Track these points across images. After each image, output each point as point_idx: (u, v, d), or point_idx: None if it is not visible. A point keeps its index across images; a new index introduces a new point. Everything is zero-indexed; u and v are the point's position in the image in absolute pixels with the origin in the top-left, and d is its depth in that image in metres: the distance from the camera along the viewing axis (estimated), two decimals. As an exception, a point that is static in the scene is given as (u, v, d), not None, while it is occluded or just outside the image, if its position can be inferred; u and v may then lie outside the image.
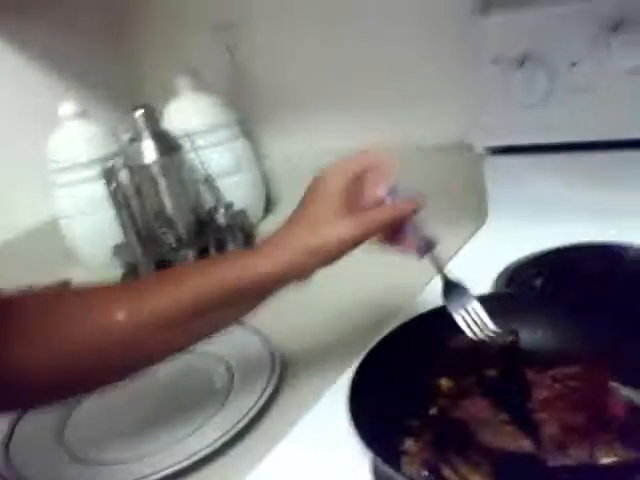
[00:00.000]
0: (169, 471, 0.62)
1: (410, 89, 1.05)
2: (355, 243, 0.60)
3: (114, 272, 1.12)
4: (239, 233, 1.13)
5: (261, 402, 0.68)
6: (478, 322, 0.64)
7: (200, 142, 1.15)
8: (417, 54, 1.03)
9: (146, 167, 1.08)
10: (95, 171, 1.05)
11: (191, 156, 1.14)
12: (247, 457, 0.63)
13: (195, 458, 0.63)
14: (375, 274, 0.78)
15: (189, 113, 1.17)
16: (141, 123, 1.07)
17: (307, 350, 0.76)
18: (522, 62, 0.85)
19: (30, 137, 1.17)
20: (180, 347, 0.62)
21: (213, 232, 1.12)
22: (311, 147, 1.19)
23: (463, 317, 0.64)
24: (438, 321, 0.67)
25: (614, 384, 0.57)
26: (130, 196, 1.05)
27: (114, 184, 0.99)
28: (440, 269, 0.66)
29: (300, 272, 0.60)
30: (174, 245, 1.10)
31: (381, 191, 0.63)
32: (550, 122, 0.87)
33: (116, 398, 0.72)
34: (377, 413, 0.56)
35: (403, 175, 1.00)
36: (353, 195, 0.62)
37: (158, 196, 1.09)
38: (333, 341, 0.73)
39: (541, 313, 0.66)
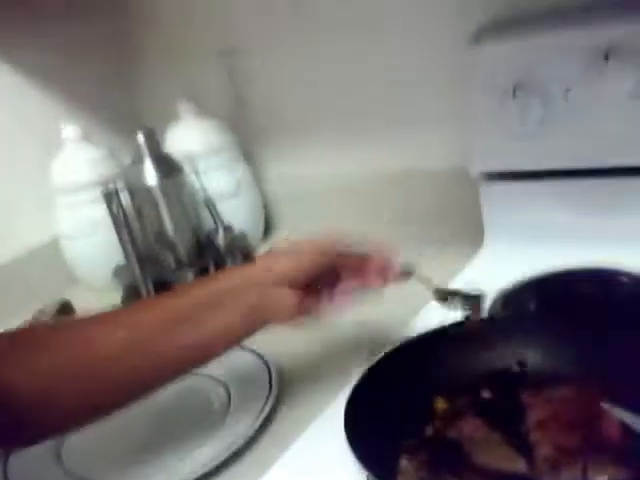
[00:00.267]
0: (167, 491, 0.63)
1: (408, 115, 1.07)
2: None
3: (114, 293, 1.13)
4: (238, 255, 1.14)
5: (258, 423, 0.68)
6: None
7: (201, 165, 1.16)
8: (415, 80, 1.05)
9: (147, 189, 1.09)
10: (96, 193, 1.05)
11: (192, 179, 1.16)
12: (245, 477, 0.64)
13: (192, 477, 0.63)
14: (372, 295, 0.79)
15: (190, 137, 1.19)
16: (143, 146, 1.08)
17: (304, 370, 0.77)
18: (516, 90, 0.86)
19: (33, 159, 1.18)
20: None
21: (213, 254, 1.13)
22: (310, 171, 1.21)
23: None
24: (435, 342, 0.68)
25: (607, 405, 0.57)
26: (131, 218, 1.06)
27: (115, 206, 1.00)
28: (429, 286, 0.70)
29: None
30: (174, 267, 1.11)
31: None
32: (545, 149, 0.88)
33: (113, 418, 0.72)
34: (373, 432, 0.56)
35: (400, 200, 1.02)
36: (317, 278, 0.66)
37: (159, 218, 1.10)
38: (330, 361, 0.73)
39: (536, 336, 0.67)
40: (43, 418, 0.56)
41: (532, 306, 0.80)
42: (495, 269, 0.89)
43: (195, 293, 0.67)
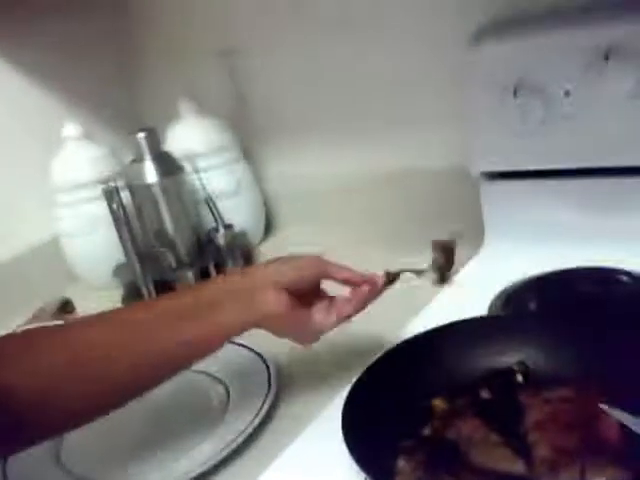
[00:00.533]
0: (165, 489, 0.63)
1: (408, 114, 1.07)
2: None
3: (115, 291, 1.13)
4: (239, 254, 1.14)
5: (257, 421, 0.68)
6: None
7: (201, 164, 1.16)
8: (415, 80, 1.05)
9: (147, 188, 1.09)
10: (97, 191, 1.06)
11: (192, 178, 1.16)
12: (243, 475, 0.64)
13: (191, 476, 0.63)
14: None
15: (191, 136, 1.19)
16: (143, 145, 1.08)
17: (303, 369, 0.77)
18: (516, 90, 0.86)
19: (33, 157, 1.18)
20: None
21: (213, 253, 1.13)
22: (311, 170, 1.21)
23: None
24: (434, 342, 0.68)
25: (605, 406, 0.57)
26: (131, 216, 1.07)
27: (115, 204, 1.00)
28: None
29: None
30: (174, 265, 1.11)
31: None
32: (545, 148, 0.88)
33: (112, 417, 0.72)
34: (371, 433, 0.56)
35: (401, 199, 1.02)
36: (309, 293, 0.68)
37: (159, 217, 1.11)
38: (330, 360, 0.74)
39: (536, 335, 0.67)
40: (42, 418, 0.56)
41: (532, 306, 0.80)
42: (495, 268, 0.89)
43: (194, 293, 0.68)
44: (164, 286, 1.07)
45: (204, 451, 0.67)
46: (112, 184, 1.01)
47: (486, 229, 0.97)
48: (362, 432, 0.55)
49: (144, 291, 1.05)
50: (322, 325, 0.67)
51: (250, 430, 0.67)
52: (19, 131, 1.20)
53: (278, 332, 0.66)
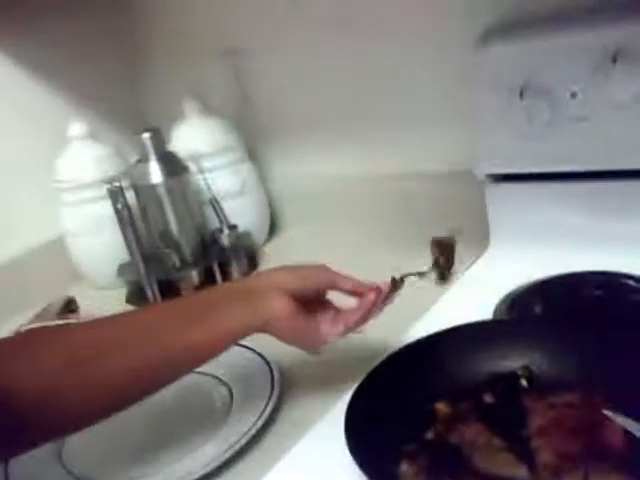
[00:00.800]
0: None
1: (414, 116, 1.07)
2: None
3: (119, 291, 1.13)
4: (243, 255, 1.14)
5: (260, 423, 0.68)
6: None
7: (206, 164, 1.16)
8: (421, 82, 1.05)
9: (152, 188, 1.09)
10: (102, 191, 1.06)
11: (197, 178, 1.16)
12: (245, 477, 0.64)
13: (193, 477, 0.63)
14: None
15: (196, 136, 1.19)
16: (148, 145, 1.09)
17: (306, 372, 0.77)
18: (523, 92, 0.86)
19: (39, 156, 1.19)
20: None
21: (217, 253, 1.13)
22: (316, 171, 1.21)
23: None
24: (437, 345, 0.68)
25: (610, 412, 0.57)
26: (136, 216, 1.07)
27: (120, 204, 1.00)
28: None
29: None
30: (178, 265, 1.11)
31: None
32: (551, 151, 0.88)
33: (114, 417, 0.72)
34: (373, 436, 0.56)
35: (405, 201, 1.02)
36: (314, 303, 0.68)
37: (163, 217, 1.11)
38: (333, 363, 0.73)
39: (540, 340, 0.67)
40: (43, 420, 0.56)
41: (537, 309, 0.79)
42: (501, 271, 0.89)
43: (198, 297, 0.69)
44: (168, 286, 1.07)
45: (207, 453, 0.67)
46: (117, 184, 1.01)
47: (491, 232, 0.97)
48: (365, 436, 0.55)
49: (148, 291, 1.05)
50: (328, 334, 0.66)
51: (253, 432, 0.67)
52: (25, 130, 1.20)
53: (282, 337, 0.66)
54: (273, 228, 1.30)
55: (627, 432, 0.55)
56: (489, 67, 0.89)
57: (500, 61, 0.88)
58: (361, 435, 0.55)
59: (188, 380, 0.75)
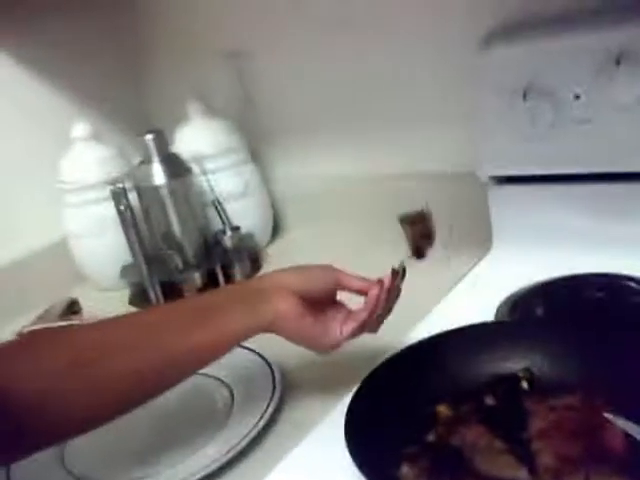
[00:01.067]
0: (168, 492, 0.63)
1: (416, 117, 1.07)
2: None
3: (122, 292, 1.14)
4: (246, 256, 1.14)
5: (261, 424, 0.68)
6: None
7: (209, 166, 1.17)
8: (425, 83, 1.05)
9: (155, 189, 1.09)
10: (105, 192, 1.06)
11: (200, 179, 1.16)
12: (247, 479, 0.64)
13: (195, 478, 0.63)
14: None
15: (199, 137, 1.19)
16: (151, 146, 1.09)
17: (308, 373, 0.77)
18: (526, 94, 0.86)
19: (42, 157, 1.19)
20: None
21: (220, 255, 1.13)
22: (319, 172, 1.21)
23: None
24: (438, 347, 0.68)
25: (610, 415, 0.56)
26: (139, 218, 1.07)
27: (123, 206, 1.00)
28: None
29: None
30: (181, 267, 1.11)
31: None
32: (554, 153, 0.88)
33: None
34: (374, 439, 0.56)
35: (409, 202, 1.02)
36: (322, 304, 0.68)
37: (166, 218, 1.11)
38: (334, 365, 0.73)
39: (542, 342, 0.67)
40: (43, 423, 0.56)
41: (539, 311, 0.79)
42: (503, 272, 0.89)
43: (202, 299, 0.69)
44: (171, 288, 1.07)
45: (208, 454, 0.67)
46: (120, 185, 1.01)
47: (494, 233, 0.97)
48: (365, 438, 0.55)
49: (151, 292, 1.05)
50: (339, 333, 0.66)
51: (254, 434, 0.67)
52: (27, 131, 1.20)
53: (289, 338, 0.66)
54: (276, 229, 1.30)
55: (628, 435, 0.55)
56: (492, 69, 0.89)
57: (503, 63, 0.88)
58: (361, 437, 0.55)
59: (189, 381, 0.75)
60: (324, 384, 0.73)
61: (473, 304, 0.82)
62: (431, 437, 0.60)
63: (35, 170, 1.20)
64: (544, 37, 0.87)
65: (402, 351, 0.67)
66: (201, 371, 0.72)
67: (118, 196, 1.01)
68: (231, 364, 0.76)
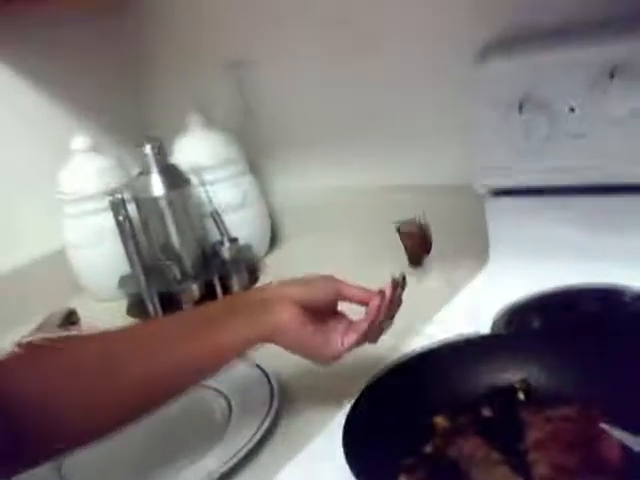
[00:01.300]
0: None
1: (413, 130, 1.08)
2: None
3: (120, 303, 1.14)
4: (243, 267, 1.14)
5: (258, 435, 0.68)
6: None
7: (208, 177, 1.17)
8: (421, 96, 1.06)
9: (154, 200, 1.10)
10: (104, 203, 1.06)
11: (198, 191, 1.16)
12: (244, 491, 0.64)
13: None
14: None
15: (198, 149, 1.19)
16: (150, 157, 1.09)
17: (306, 385, 0.77)
18: (522, 107, 0.87)
19: (41, 168, 1.20)
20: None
21: (218, 266, 1.13)
22: (317, 184, 1.22)
23: None
24: (436, 359, 0.68)
25: (607, 426, 0.57)
26: (137, 228, 1.07)
27: (122, 216, 1.01)
28: None
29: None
30: (179, 278, 1.11)
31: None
32: (550, 165, 0.88)
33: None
34: (372, 450, 0.56)
35: (406, 214, 1.02)
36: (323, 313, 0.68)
37: (165, 229, 1.11)
38: (332, 376, 0.73)
39: (539, 354, 0.67)
40: (42, 434, 0.56)
41: (536, 323, 0.79)
42: (500, 285, 0.89)
43: (202, 311, 0.69)
44: (169, 298, 1.08)
45: (206, 465, 0.67)
46: (119, 196, 1.02)
47: (491, 245, 0.97)
48: (363, 449, 0.55)
49: (149, 303, 1.05)
50: (340, 344, 0.66)
51: (251, 445, 0.67)
52: (27, 141, 1.21)
53: (290, 348, 0.66)
54: (274, 240, 1.30)
55: (624, 446, 0.55)
56: (488, 82, 0.90)
57: (499, 76, 0.89)
58: (359, 448, 0.55)
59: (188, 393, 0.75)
60: (322, 395, 0.73)
61: (470, 316, 0.82)
62: (428, 448, 0.60)
63: (35, 180, 1.21)
64: (539, 51, 0.88)
65: (399, 362, 0.68)
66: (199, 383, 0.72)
67: (117, 207, 1.01)
68: (229, 375, 0.76)
